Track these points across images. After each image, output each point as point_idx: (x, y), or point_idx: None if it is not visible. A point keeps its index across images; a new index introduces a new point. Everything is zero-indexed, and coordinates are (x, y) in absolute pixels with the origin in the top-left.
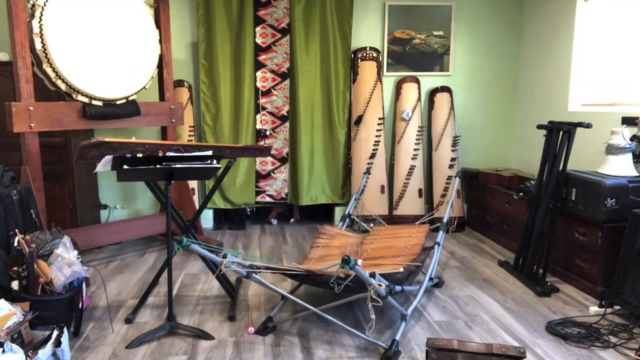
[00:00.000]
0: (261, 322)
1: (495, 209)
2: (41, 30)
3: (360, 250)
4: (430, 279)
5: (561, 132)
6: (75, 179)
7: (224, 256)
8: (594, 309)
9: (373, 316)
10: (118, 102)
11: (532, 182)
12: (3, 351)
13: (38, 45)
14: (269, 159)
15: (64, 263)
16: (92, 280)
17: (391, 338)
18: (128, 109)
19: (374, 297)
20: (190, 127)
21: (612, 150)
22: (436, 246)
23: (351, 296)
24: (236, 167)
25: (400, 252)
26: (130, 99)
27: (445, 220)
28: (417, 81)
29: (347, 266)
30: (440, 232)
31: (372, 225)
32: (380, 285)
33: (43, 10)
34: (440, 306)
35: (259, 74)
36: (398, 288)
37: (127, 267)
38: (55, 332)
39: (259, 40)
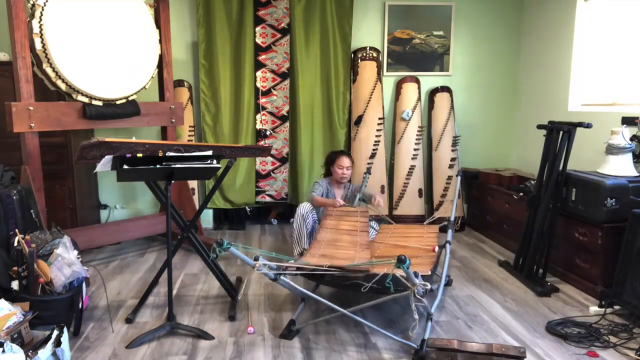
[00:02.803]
0: (285, 327)
1: (495, 209)
2: (41, 30)
3: (371, 248)
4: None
5: (561, 132)
6: (75, 179)
7: (256, 259)
8: (594, 309)
9: (417, 316)
10: (118, 102)
11: (532, 182)
12: (3, 351)
13: (38, 45)
14: (269, 159)
15: (64, 263)
16: (92, 280)
17: (405, 337)
18: (128, 109)
19: (418, 297)
20: (190, 127)
21: (612, 150)
22: (447, 245)
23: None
24: (236, 167)
25: (416, 252)
26: (130, 99)
27: (452, 218)
28: (417, 81)
29: (404, 266)
30: (449, 231)
31: (377, 223)
32: (424, 285)
33: (43, 10)
34: (440, 306)
35: (259, 74)
36: (434, 286)
37: (127, 267)
38: (55, 332)
39: (259, 40)
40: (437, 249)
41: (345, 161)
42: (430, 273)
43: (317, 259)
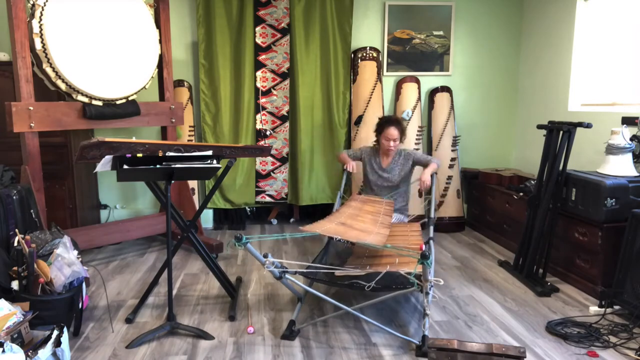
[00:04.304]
0: (286, 328)
1: (495, 209)
2: (41, 30)
3: (363, 249)
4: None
5: (561, 132)
6: (75, 179)
7: (265, 255)
8: (594, 309)
9: (429, 312)
10: (118, 102)
11: (532, 182)
12: (3, 351)
13: (38, 45)
14: (269, 159)
15: (64, 263)
16: (92, 280)
17: (404, 334)
18: (128, 109)
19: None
20: (190, 127)
21: (612, 150)
22: (431, 241)
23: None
24: (236, 167)
25: (405, 252)
26: (130, 98)
27: (432, 215)
28: (417, 81)
29: (427, 262)
30: (431, 227)
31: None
32: (437, 281)
33: (43, 10)
34: (440, 306)
35: (259, 73)
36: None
37: (127, 267)
38: (55, 332)
39: (259, 40)
40: (424, 247)
41: (392, 132)
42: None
43: (334, 226)
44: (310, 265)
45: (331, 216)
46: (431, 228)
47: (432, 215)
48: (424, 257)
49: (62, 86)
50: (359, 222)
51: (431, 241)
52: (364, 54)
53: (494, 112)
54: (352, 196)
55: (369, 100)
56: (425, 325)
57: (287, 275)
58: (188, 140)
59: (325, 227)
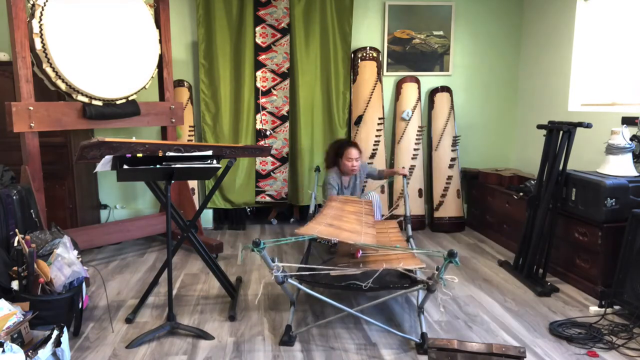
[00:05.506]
0: (284, 334)
1: (495, 209)
2: (41, 30)
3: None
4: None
5: (561, 132)
6: (75, 179)
7: (273, 260)
8: (594, 309)
9: (442, 309)
10: (118, 102)
11: (532, 182)
12: (3, 351)
13: (38, 45)
14: (269, 159)
15: (64, 263)
16: (92, 280)
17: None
18: (128, 109)
19: (445, 290)
20: (190, 127)
21: (612, 150)
22: (411, 239)
23: (382, 295)
24: (236, 167)
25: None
26: (130, 98)
27: (407, 214)
28: (417, 81)
29: (455, 260)
30: (409, 226)
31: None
32: (453, 279)
33: (43, 10)
34: (440, 306)
35: (259, 73)
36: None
37: (127, 267)
38: (55, 332)
39: (259, 40)
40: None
41: (354, 153)
42: (424, 266)
43: (324, 227)
44: (309, 267)
45: (317, 218)
46: (409, 227)
47: (407, 214)
48: (451, 256)
49: (62, 86)
50: (344, 223)
51: (411, 239)
52: (364, 54)
53: (494, 112)
54: (330, 197)
55: (369, 100)
56: (422, 323)
57: (289, 280)
58: (188, 140)
59: (319, 229)
